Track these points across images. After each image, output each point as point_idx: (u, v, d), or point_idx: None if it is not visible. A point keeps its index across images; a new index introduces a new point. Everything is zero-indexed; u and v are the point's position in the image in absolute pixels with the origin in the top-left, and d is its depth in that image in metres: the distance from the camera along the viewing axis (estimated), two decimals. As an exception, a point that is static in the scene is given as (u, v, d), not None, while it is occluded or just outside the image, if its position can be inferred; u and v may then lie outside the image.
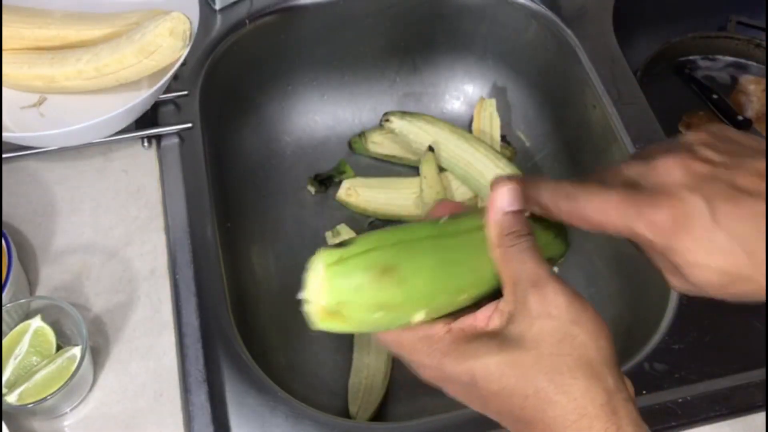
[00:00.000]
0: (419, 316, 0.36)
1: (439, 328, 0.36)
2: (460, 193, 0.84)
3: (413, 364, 0.37)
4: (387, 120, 0.86)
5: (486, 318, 0.36)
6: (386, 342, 0.38)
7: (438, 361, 0.36)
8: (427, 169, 0.81)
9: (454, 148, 0.83)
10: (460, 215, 0.39)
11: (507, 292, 0.36)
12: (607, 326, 0.35)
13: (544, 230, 0.40)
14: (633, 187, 0.35)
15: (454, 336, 0.36)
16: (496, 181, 0.38)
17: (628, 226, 0.35)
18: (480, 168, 0.81)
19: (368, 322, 0.35)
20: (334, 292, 0.34)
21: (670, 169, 0.35)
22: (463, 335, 0.36)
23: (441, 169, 0.84)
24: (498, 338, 0.35)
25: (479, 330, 0.36)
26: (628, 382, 0.36)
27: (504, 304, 0.36)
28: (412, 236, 0.36)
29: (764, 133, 0.89)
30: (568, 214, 0.37)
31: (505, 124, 0.90)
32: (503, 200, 0.37)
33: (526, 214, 0.39)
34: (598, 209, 0.36)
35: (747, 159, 0.35)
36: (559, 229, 0.41)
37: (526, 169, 0.87)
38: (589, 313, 0.35)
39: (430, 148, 0.82)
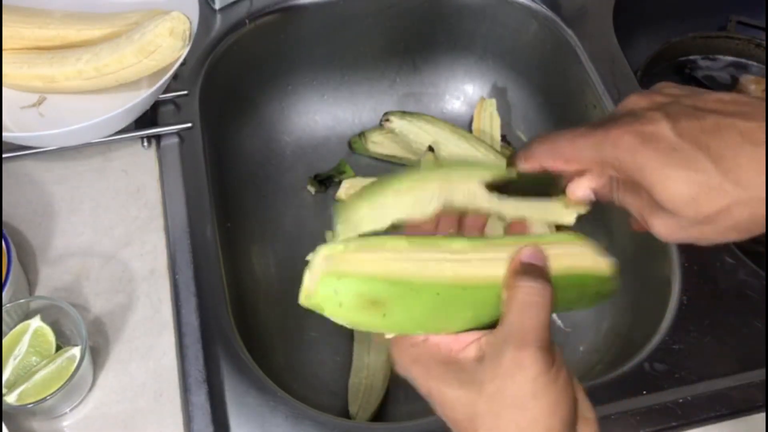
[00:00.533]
0: (391, 336, 0.37)
1: (418, 335, 0.37)
2: None
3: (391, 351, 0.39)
4: (387, 120, 0.86)
5: (464, 344, 0.37)
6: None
7: (407, 364, 0.37)
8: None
9: (454, 148, 0.83)
10: (478, 241, 0.38)
11: (495, 334, 0.36)
12: (568, 404, 0.35)
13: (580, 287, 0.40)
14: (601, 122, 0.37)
15: (428, 348, 0.37)
16: (522, 250, 0.37)
17: (598, 153, 0.36)
18: (480, 168, 0.81)
19: (344, 322, 0.36)
20: (322, 289, 0.35)
21: (636, 101, 0.37)
22: (437, 351, 0.37)
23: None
24: (464, 373, 0.35)
25: (453, 353, 0.36)
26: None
27: (485, 344, 0.36)
28: (419, 277, 0.36)
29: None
30: (547, 157, 0.38)
31: (506, 124, 0.90)
32: (528, 256, 0.37)
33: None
34: (569, 143, 0.37)
35: (708, 93, 0.37)
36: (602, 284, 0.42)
37: (526, 169, 0.86)
38: (553, 392, 0.35)
39: (430, 148, 0.82)
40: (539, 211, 0.42)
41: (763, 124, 0.34)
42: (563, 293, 0.38)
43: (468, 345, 0.36)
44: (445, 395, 0.35)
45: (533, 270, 0.37)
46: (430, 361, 0.36)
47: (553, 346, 0.35)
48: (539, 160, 0.39)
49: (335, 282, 0.35)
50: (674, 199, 0.35)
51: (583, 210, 0.42)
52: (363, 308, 0.35)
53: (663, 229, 0.37)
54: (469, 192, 0.40)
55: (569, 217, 0.43)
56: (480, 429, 0.34)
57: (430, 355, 0.36)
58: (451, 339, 0.37)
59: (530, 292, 0.36)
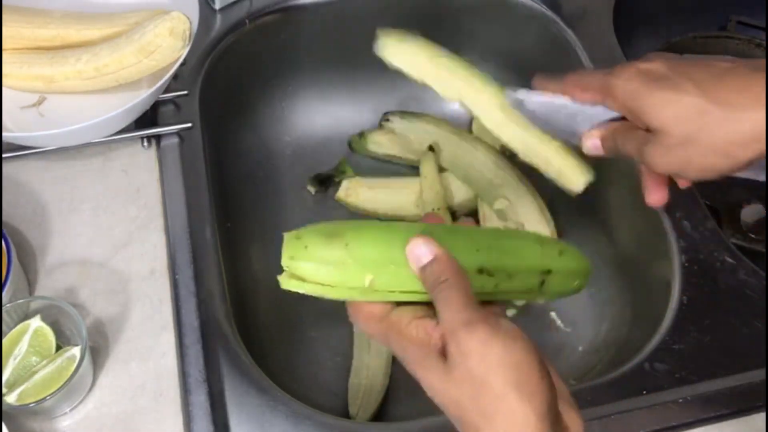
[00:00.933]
0: (369, 279, 0.39)
1: (406, 317, 0.39)
2: (461, 193, 0.83)
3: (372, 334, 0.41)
4: (387, 120, 0.86)
5: (439, 334, 0.38)
6: (358, 316, 0.42)
7: (402, 349, 0.39)
8: (427, 169, 0.81)
9: (454, 148, 0.83)
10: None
11: (443, 333, 0.37)
12: (534, 356, 0.36)
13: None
14: None
15: (417, 333, 0.38)
16: (410, 240, 0.39)
17: (605, 82, 0.44)
18: (480, 168, 0.81)
19: (322, 279, 0.39)
20: (288, 251, 0.40)
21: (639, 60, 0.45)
22: (424, 334, 0.38)
23: (441, 169, 0.84)
24: (443, 361, 0.37)
25: (434, 340, 0.38)
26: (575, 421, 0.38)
27: (438, 338, 0.38)
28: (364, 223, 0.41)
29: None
30: (570, 83, 0.47)
31: (505, 124, 0.90)
32: (418, 255, 0.39)
33: None
34: (588, 74, 0.47)
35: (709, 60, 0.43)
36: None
37: (527, 168, 0.86)
38: (510, 350, 0.35)
39: (431, 148, 0.82)
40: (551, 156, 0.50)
41: (747, 62, 0.42)
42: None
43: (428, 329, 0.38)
44: (433, 382, 0.37)
45: (432, 270, 0.38)
46: (411, 345, 0.38)
47: (491, 318, 0.36)
48: (563, 85, 0.47)
49: (294, 241, 0.40)
50: (661, 117, 0.41)
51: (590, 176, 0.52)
52: (325, 243, 0.39)
53: (654, 155, 0.43)
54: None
55: (577, 184, 0.51)
56: (466, 413, 0.36)
57: (412, 339, 0.38)
58: (432, 326, 0.38)
59: (438, 291, 0.38)
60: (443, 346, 0.37)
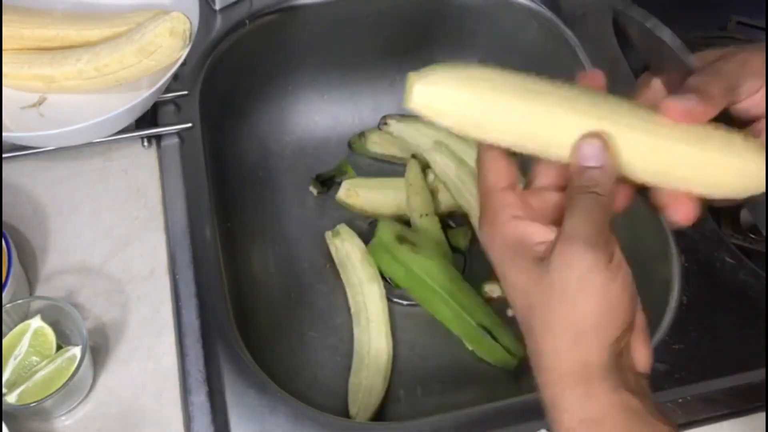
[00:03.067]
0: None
1: (512, 198, 0.38)
2: (447, 198, 0.83)
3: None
4: (385, 123, 0.86)
5: (544, 234, 0.37)
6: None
7: (489, 243, 0.38)
8: (413, 175, 0.81)
9: (454, 149, 0.82)
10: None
11: (560, 234, 0.36)
12: (624, 305, 0.36)
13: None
14: None
15: (510, 229, 0.37)
16: (585, 136, 0.37)
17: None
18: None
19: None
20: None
21: None
22: (517, 234, 0.37)
23: (427, 175, 0.83)
24: (529, 262, 0.36)
25: (529, 241, 0.37)
26: (641, 382, 0.37)
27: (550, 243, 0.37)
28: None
29: (764, 133, 0.88)
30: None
31: (506, 124, 0.90)
32: (587, 154, 0.37)
33: None
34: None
35: None
36: None
37: (527, 168, 0.86)
38: (606, 290, 0.35)
39: (414, 156, 0.83)
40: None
41: None
42: None
43: (544, 241, 0.37)
44: (508, 279, 0.37)
45: (589, 175, 0.36)
46: (505, 241, 0.37)
47: (610, 246, 0.36)
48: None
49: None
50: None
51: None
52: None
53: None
54: None
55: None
56: (534, 318, 0.36)
57: (508, 235, 0.37)
58: (534, 228, 0.37)
59: (584, 198, 0.36)
60: (544, 252, 0.36)
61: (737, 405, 0.58)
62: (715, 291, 0.65)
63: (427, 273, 0.73)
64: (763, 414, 0.58)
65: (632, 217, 0.75)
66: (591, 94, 0.38)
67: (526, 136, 0.38)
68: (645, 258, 0.72)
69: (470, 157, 0.82)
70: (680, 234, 0.67)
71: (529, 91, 0.37)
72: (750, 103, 0.41)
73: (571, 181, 0.37)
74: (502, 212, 0.38)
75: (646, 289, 0.70)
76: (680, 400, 0.58)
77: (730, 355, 0.61)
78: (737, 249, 0.67)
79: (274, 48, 0.84)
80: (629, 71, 0.80)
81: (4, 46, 0.66)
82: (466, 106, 0.37)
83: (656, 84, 0.46)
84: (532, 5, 0.84)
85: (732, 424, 0.58)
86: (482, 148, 0.39)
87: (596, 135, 0.36)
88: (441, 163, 0.81)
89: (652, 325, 0.64)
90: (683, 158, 0.37)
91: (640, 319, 0.38)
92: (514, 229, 0.37)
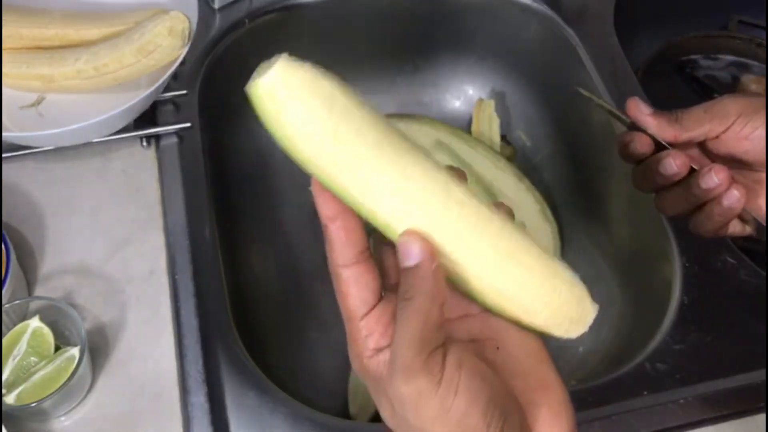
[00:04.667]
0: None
1: (373, 323, 0.33)
2: None
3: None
4: (386, 122, 0.86)
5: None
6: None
7: (358, 368, 0.34)
8: None
9: (453, 149, 0.82)
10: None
11: (388, 363, 0.33)
12: (481, 400, 0.32)
13: None
14: None
15: (376, 365, 0.33)
16: (407, 232, 0.33)
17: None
18: (479, 170, 0.81)
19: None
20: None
21: None
22: (383, 367, 0.33)
23: None
24: (379, 382, 0.33)
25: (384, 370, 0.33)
26: None
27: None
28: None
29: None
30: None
31: (506, 124, 0.90)
32: (407, 252, 0.33)
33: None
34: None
35: None
36: None
37: (527, 169, 0.86)
38: (453, 399, 0.31)
39: None
40: None
41: None
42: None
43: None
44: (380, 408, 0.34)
45: (409, 273, 0.32)
46: (370, 376, 0.34)
47: (435, 358, 0.31)
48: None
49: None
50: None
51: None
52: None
53: None
54: None
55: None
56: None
57: (371, 371, 0.33)
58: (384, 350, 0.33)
59: (400, 309, 0.32)
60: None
61: (738, 406, 0.58)
62: (716, 291, 0.64)
63: None
64: (764, 415, 0.58)
65: (633, 218, 0.75)
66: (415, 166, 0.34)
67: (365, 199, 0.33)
68: (646, 258, 0.71)
69: (472, 157, 0.82)
70: (681, 234, 0.67)
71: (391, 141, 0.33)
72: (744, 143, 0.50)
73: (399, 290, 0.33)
74: (364, 346, 0.33)
75: (647, 290, 0.71)
76: (681, 401, 0.58)
77: (731, 356, 0.61)
78: (738, 249, 0.67)
79: (274, 47, 0.83)
80: (630, 70, 0.80)
81: (3, 46, 0.66)
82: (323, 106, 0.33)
83: (643, 106, 0.52)
84: (533, 4, 0.84)
85: (732, 424, 0.58)
86: (337, 247, 0.34)
87: (415, 233, 0.32)
88: (441, 162, 0.81)
89: (654, 325, 0.64)
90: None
91: (545, 398, 0.34)
92: (376, 366, 0.33)
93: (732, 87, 0.93)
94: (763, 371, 0.60)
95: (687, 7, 0.96)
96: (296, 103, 0.32)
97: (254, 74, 0.34)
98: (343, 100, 0.33)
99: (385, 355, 0.33)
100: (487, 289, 0.34)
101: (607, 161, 0.78)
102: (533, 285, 0.34)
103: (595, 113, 0.79)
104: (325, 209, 0.35)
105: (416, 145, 0.35)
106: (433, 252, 0.33)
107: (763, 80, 0.92)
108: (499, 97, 0.91)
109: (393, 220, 0.33)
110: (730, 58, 0.96)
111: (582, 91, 0.56)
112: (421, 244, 0.32)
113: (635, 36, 0.91)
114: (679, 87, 0.94)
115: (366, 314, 0.33)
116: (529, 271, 0.34)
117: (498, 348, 0.35)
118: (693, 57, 0.96)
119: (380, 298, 0.34)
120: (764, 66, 0.94)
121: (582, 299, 0.37)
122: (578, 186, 0.83)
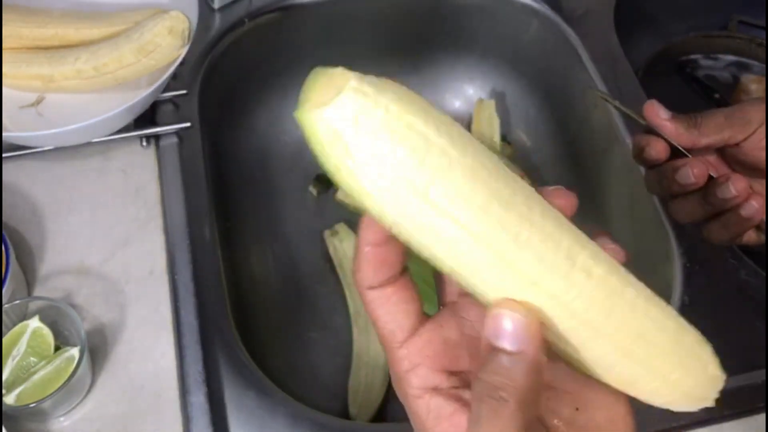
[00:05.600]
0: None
1: (415, 356, 0.29)
2: None
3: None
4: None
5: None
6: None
7: (402, 397, 0.31)
8: None
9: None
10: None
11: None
12: None
13: None
14: None
15: (426, 408, 0.30)
16: (501, 302, 0.26)
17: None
18: (480, 168, 0.81)
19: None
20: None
21: None
22: (432, 414, 0.30)
23: None
24: None
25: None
26: None
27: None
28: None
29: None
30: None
31: (506, 124, 0.90)
32: (501, 328, 0.26)
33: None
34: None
35: None
36: None
37: (527, 168, 0.86)
38: None
39: None
40: None
41: None
42: None
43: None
44: None
45: (507, 360, 0.25)
46: (415, 415, 0.30)
47: None
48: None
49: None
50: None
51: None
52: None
53: None
54: None
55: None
56: None
57: (418, 412, 0.30)
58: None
59: (486, 405, 0.25)
60: None
61: (738, 406, 0.58)
62: (717, 291, 0.64)
63: (427, 273, 0.73)
64: (764, 415, 0.58)
65: (634, 218, 0.75)
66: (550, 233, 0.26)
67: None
68: (646, 258, 0.71)
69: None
70: (682, 234, 0.67)
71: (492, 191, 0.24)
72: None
73: (480, 373, 0.26)
74: (408, 383, 0.29)
75: (647, 290, 0.70)
76: (681, 401, 0.58)
77: (731, 356, 0.60)
78: (738, 249, 0.67)
79: (273, 47, 0.84)
80: (630, 70, 0.80)
81: (3, 46, 0.66)
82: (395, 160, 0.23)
83: (661, 110, 0.52)
84: (533, 4, 0.84)
85: (733, 425, 0.57)
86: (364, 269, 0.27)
87: (515, 305, 0.25)
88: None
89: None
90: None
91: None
92: (426, 413, 0.29)
93: (732, 87, 0.93)
94: (763, 371, 0.60)
95: (687, 7, 0.96)
96: (371, 150, 0.23)
97: (305, 88, 0.24)
98: (439, 144, 0.23)
99: (437, 402, 0.28)
100: (605, 373, 0.28)
101: (607, 161, 0.78)
102: (663, 371, 0.29)
103: (595, 113, 0.79)
104: (370, 235, 0.27)
105: (531, 189, 0.26)
106: (543, 337, 0.25)
107: (763, 80, 0.92)
108: (499, 97, 0.91)
109: (491, 291, 0.26)
110: (730, 58, 0.95)
111: (599, 92, 0.55)
112: (528, 323, 0.25)
113: (635, 36, 0.91)
114: (679, 87, 0.94)
115: (404, 342, 0.28)
116: (662, 355, 0.29)
117: (578, 409, 0.29)
118: (693, 57, 0.96)
119: (421, 321, 0.29)
120: (764, 66, 0.94)
121: (712, 377, 0.31)
122: (578, 186, 0.83)
